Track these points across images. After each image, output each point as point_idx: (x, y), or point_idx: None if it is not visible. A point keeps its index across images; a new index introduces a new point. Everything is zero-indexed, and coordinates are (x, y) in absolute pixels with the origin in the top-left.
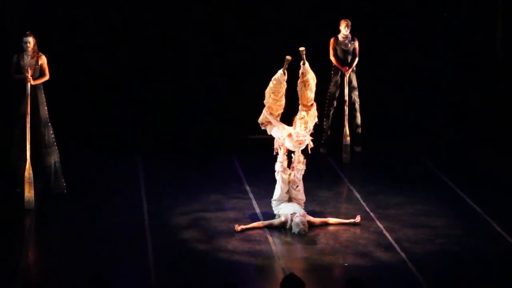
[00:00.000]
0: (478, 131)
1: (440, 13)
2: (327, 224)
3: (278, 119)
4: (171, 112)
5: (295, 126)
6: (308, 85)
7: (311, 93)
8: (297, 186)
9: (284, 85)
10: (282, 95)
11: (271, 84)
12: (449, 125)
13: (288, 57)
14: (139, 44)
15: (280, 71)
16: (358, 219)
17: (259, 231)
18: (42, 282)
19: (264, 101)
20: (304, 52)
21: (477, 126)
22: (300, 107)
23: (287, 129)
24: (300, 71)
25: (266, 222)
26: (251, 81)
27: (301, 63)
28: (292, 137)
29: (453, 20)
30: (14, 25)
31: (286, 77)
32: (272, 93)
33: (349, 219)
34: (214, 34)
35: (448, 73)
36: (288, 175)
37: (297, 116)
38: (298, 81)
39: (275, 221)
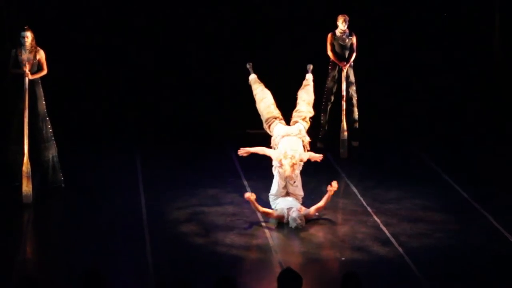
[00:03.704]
0: (476, 127)
1: (440, 12)
2: (322, 209)
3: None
4: (169, 107)
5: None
6: (308, 85)
7: (308, 97)
8: (294, 182)
9: (260, 83)
10: (263, 87)
11: (253, 91)
12: (447, 121)
13: (250, 63)
14: (137, 40)
15: (250, 77)
16: (334, 185)
17: (256, 226)
18: (40, 276)
19: (259, 110)
20: (311, 68)
21: (476, 123)
22: (287, 132)
23: (279, 156)
24: (306, 77)
25: (266, 210)
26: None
27: (306, 74)
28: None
29: (453, 20)
30: (12, 20)
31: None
32: (255, 92)
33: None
34: (212, 31)
35: (447, 71)
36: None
37: (284, 156)
38: (299, 90)
39: (273, 212)
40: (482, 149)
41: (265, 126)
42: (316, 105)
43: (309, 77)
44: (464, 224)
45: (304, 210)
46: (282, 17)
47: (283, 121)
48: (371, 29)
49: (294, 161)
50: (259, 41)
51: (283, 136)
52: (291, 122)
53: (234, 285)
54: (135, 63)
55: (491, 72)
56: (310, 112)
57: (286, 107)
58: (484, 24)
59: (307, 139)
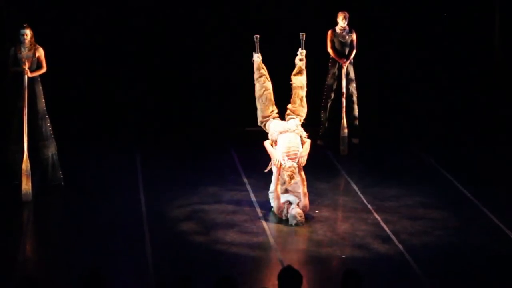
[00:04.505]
0: (476, 127)
1: (440, 12)
2: (306, 195)
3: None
4: (169, 105)
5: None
6: (303, 73)
7: (303, 92)
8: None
9: (263, 67)
10: (265, 79)
11: (254, 78)
12: (447, 118)
13: (256, 35)
14: (137, 40)
15: (254, 54)
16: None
17: (256, 223)
18: (40, 275)
19: (257, 105)
20: (304, 38)
21: (475, 120)
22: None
23: (278, 158)
24: (298, 58)
25: (278, 189)
26: (249, 74)
27: (300, 48)
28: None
29: (452, 19)
30: (12, 19)
31: (261, 57)
32: (257, 81)
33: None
34: (212, 31)
35: (447, 71)
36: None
37: (285, 168)
38: (293, 74)
39: (280, 196)
40: (482, 149)
41: (261, 125)
42: (316, 102)
43: (303, 54)
44: (464, 222)
45: (300, 203)
46: (281, 16)
47: (278, 118)
48: (371, 28)
49: (294, 180)
50: (260, 42)
51: (281, 132)
52: (287, 118)
53: (234, 285)
54: (135, 63)
55: (491, 72)
56: (305, 112)
57: (284, 105)
58: (484, 24)
59: (305, 133)
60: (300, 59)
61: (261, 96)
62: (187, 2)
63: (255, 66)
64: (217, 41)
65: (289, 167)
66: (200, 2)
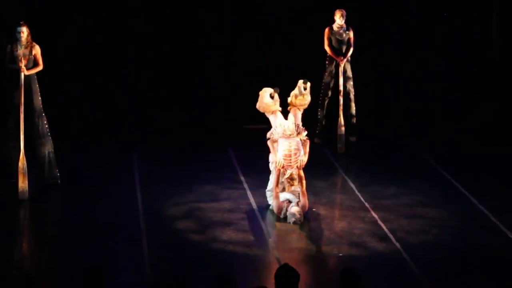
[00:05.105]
0: (476, 126)
1: (439, 11)
2: (306, 193)
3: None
4: (166, 103)
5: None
6: (304, 95)
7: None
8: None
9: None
10: (278, 106)
11: (262, 99)
12: (447, 118)
13: (277, 89)
14: (136, 40)
15: (268, 97)
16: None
17: (253, 222)
18: (37, 273)
19: (259, 102)
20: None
21: (475, 120)
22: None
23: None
24: (299, 91)
25: (278, 189)
26: (247, 72)
27: (303, 88)
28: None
29: (452, 18)
30: (11, 19)
31: (274, 101)
32: (268, 112)
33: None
34: (211, 29)
35: (447, 67)
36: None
37: (284, 174)
38: (295, 92)
39: (279, 195)
40: (482, 149)
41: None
42: (314, 100)
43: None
44: (462, 220)
45: (299, 203)
46: (280, 16)
47: (279, 111)
48: (370, 27)
49: (294, 186)
50: (258, 40)
51: (281, 137)
52: (288, 108)
53: (233, 282)
54: (134, 62)
55: (491, 72)
56: (307, 103)
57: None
58: (484, 24)
59: (305, 135)
60: (302, 94)
61: (268, 112)
62: (187, 2)
63: (265, 104)
64: (217, 41)
65: (290, 175)
66: (200, 2)
